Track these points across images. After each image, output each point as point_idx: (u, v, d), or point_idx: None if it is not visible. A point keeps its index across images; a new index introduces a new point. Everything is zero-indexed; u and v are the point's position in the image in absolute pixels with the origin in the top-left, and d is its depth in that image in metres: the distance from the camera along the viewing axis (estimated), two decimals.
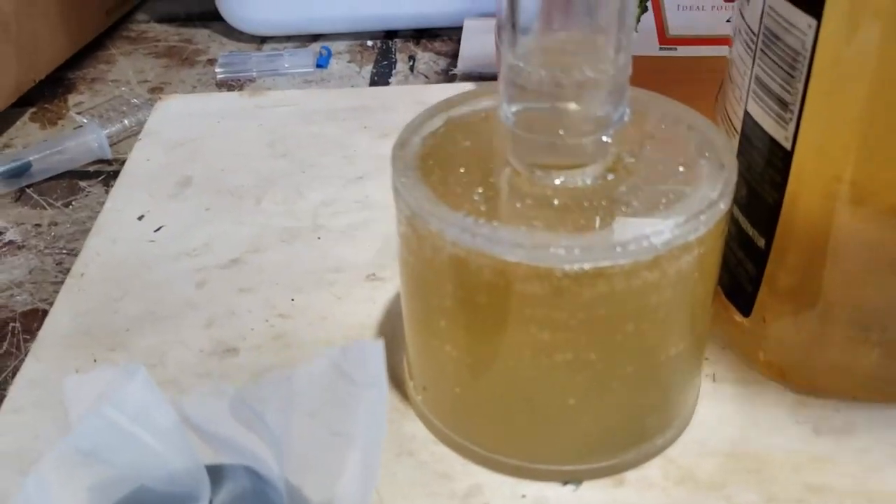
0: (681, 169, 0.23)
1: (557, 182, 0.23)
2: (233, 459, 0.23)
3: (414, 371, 0.27)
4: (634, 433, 0.25)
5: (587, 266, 0.21)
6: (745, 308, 0.28)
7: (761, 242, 0.26)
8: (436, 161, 0.24)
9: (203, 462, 0.22)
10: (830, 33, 0.22)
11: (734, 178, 0.23)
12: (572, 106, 0.22)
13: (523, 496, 0.25)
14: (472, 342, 0.24)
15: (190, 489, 0.22)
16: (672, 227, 0.21)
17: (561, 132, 0.22)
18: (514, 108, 0.23)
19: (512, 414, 0.25)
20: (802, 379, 0.28)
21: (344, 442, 0.20)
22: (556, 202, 0.23)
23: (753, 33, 0.25)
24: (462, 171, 0.24)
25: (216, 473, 0.22)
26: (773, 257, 0.26)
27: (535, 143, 0.23)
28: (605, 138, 0.23)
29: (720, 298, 0.29)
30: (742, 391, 0.27)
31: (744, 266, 0.27)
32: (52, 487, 0.21)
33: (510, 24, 0.22)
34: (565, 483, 0.25)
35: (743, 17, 0.26)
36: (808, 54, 0.22)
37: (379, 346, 0.20)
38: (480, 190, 0.23)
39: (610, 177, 0.23)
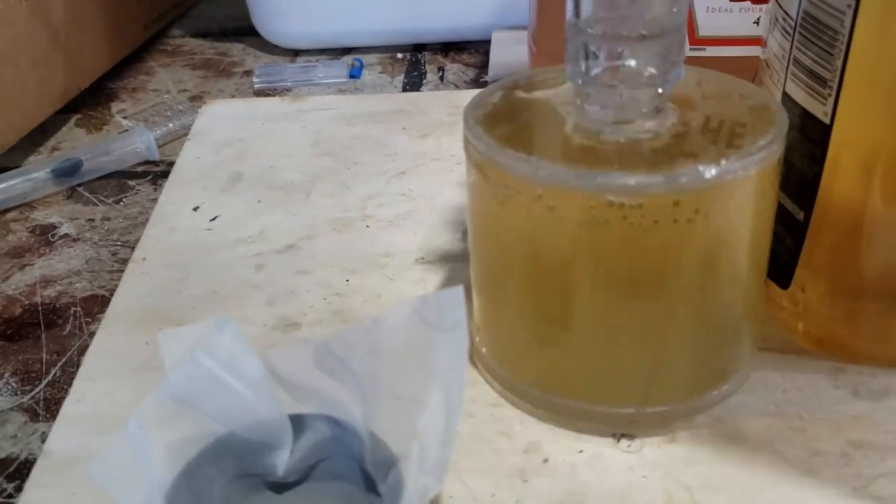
0: (736, 122, 0.25)
1: (619, 133, 0.25)
2: (314, 409, 0.24)
3: (478, 321, 0.28)
4: (689, 379, 0.26)
5: (643, 198, 0.22)
6: (784, 280, 0.29)
7: (800, 216, 0.28)
8: (503, 119, 0.26)
9: (286, 411, 0.24)
10: (868, 12, 0.24)
11: (785, 128, 0.25)
12: (631, 62, 0.24)
13: (580, 451, 0.26)
14: (534, 280, 0.25)
15: (274, 437, 0.24)
16: (725, 163, 0.23)
17: (622, 86, 0.24)
18: (577, 67, 0.25)
19: (569, 351, 0.26)
20: (839, 348, 0.29)
21: (426, 385, 0.22)
22: (617, 149, 0.24)
23: (791, 18, 0.27)
24: (528, 125, 0.26)
25: (297, 422, 0.24)
26: (812, 230, 0.28)
27: (597, 97, 0.25)
28: (661, 91, 0.24)
29: None
30: (782, 359, 0.29)
31: (782, 240, 0.29)
32: (150, 430, 0.22)
33: None
34: (619, 439, 0.26)
35: (780, 5, 0.28)
36: (846, 32, 0.24)
37: (458, 292, 0.21)
38: (545, 139, 0.25)
39: (668, 129, 0.25)
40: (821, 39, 0.25)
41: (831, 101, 0.25)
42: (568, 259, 0.24)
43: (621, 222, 0.23)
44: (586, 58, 0.24)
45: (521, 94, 0.28)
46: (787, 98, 0.27)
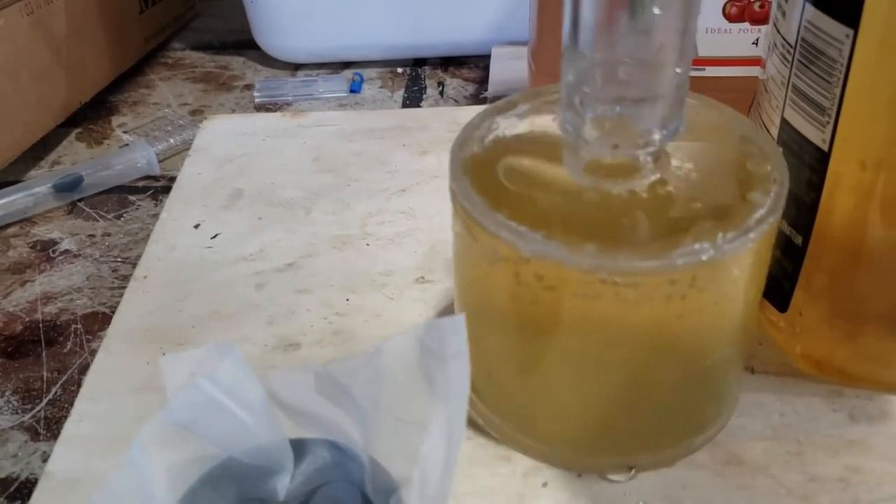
0: (734, 179, 0.25)
1: (611, 189, 0.24)
2: (315, 434, 0.24)
3: None
4: (679, 430, 0.26)
5: (638, 278, 0.22)
6: (782, 304, 0.29)
7: (798, 240, 0.28)
8: (491, 162, 0.26)
9: (287, 436, 0.24)
10: (866, 41, 0.24)
11: (785, 192, 0.24)
12: (629, 120, 0.23)
13: (579, 476, 0.26)
14: (518, 334, 0.25)
15: (274, 462, 0.24)
16: (722, 240, 0.22)
17: (617, 143, 0.24)
18: (572, 119, 0.24)
19: (544, 400, 0.26)
20: (837, 371, 0.29)
21: (427, 411, 0.22)
22: (607, 210, 0.24)
23: (790, 45, 0.27)
24: (517, 174, 0.26)
25: (299, 447, 0.24)
26: (810, 255, 0.28)
27: (591, 152, 0.24)
28: (658, 150, 0.24)
29: None
30: (780, 382, 0.29)
31: (781, 264, 0.29)
32: (152, 455, 0.22)
33: (572, 41, 0.23)
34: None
35: (778, 32, 0.28)
36: (845, 62, 0.24)
37: (461, 320, 0.22)
38: (534, 195, 0.25)
39: (664, 187, 0.24)
40: (819, 67, 0.25)
41: (829, 128, 0.26)
42: (555, 322, 0.24)
43: (614, 297, 0.22)
44: (582, 112, 0.23)
45: (512, 128, 0.27)
46: (785, 124, 0.28)
